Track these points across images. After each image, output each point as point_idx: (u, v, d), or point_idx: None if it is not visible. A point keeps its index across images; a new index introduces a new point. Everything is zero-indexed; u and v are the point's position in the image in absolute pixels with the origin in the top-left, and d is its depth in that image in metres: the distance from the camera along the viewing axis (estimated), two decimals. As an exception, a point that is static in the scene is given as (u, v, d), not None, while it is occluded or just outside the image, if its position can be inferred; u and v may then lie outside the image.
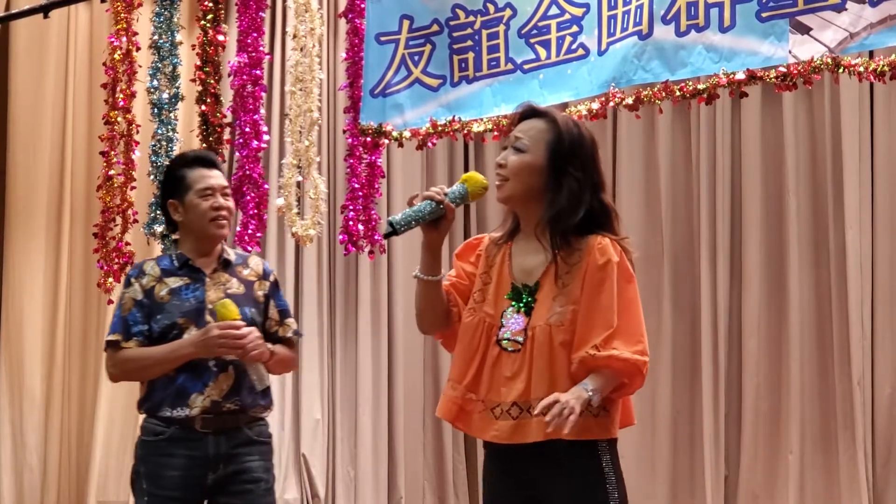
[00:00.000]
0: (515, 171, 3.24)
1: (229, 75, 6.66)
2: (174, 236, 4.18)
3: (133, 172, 6.45)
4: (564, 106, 5.81)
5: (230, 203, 4.11)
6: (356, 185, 6.73)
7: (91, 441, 7.23)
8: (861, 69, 4.95)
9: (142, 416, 4.04)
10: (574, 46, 5.52)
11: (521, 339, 3.20)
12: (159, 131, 6.41)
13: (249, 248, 6.68)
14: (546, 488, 3.17)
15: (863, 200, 7.09)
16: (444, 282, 3.34)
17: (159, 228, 6.33)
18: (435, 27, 5.89)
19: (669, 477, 7.45)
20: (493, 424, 3.19)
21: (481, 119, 5.81)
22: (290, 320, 4.18)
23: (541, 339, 3.16)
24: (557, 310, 3.17)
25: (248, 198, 6.58)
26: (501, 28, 5.71)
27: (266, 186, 6.70)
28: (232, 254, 4.14)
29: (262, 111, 6.69)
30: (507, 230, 3.35)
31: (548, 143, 3.24)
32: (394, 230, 3.21)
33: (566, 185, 3.21)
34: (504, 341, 3.21)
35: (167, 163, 6.32)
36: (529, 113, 3.32)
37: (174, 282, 4.03)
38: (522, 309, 3.23)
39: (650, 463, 7.47)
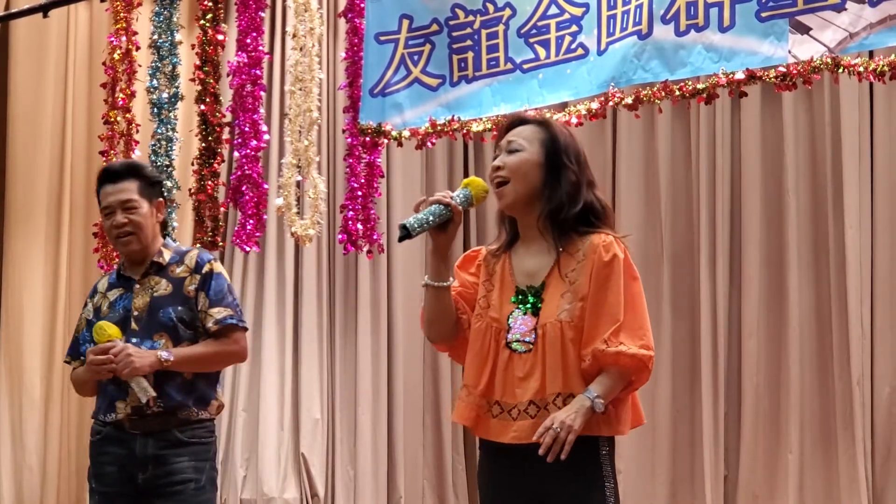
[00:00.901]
0: (514, 169, 3.26)
1: (228, 75, 6.66)
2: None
3: (132, 172, 6.44)
4: (564, 106, 5.81)
5: (134, 216, 4.04)
6: (355, 185, 6.73)
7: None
8: (861, 69, 4.95)
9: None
10: (573, 46, 5.52)
11: (530, 339, 3.22)
12: (159, 131, 6.41)
13: (247, 248, 6.68)
14: (550, 486, 3.18)
15: (862, 200, 7.08)
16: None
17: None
18: (434, 27, 5.89)
19: (669, 477, 7.44)
20: (512, 426, 3.20)
21: (480, 119, 5.81)
22: (217, 310, 4.04)
23: (552, 335, 3.19)
24: (566, 306, 3.20)
25: (248, 197, 6.58)
26: (501, 28, 5.71)
27: (265, 186, 6.70)
28: (167, 254, 4.12)
29: (262, 111, 6.70)
30: (503, 242, 3.38)
31: (542, 141, 3.28)
32: (408, 233, 3.21)
33: (564, 178, 3.25)
34: (514, 343, 3.23)
35: (167, 162, 6.33)
36: (518, 121, 3.37)
37: (113, 294, 4.11)
38: (529, 310, 3.25)
39: (650, 463, 7.47)
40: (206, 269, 4.08)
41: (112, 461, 4.02)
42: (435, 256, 3.30)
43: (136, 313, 4.01)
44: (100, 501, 4.06)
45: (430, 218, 3.22)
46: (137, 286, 4.06)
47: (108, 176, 4.10)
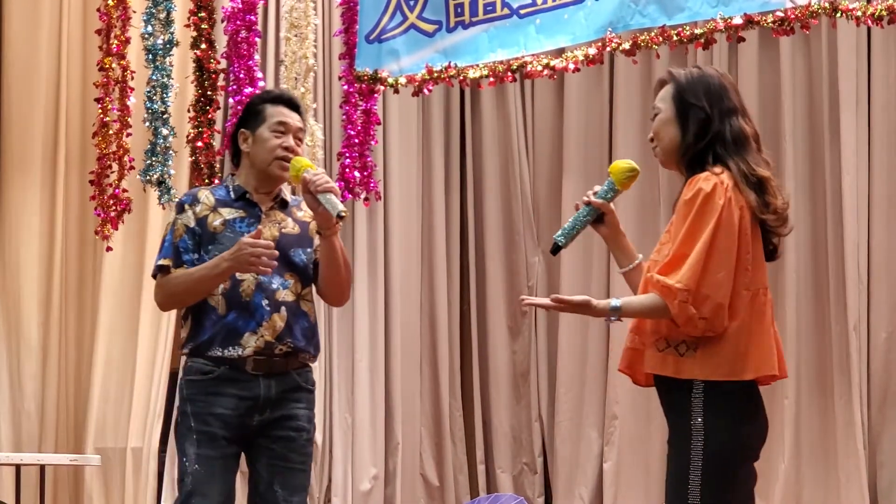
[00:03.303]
0: (655, 133, 3.37)
1: (223, 20, 6.62)
2: (231, 172, 4.10)
3: (128, 119, 6.43)
4: (561, 51, 5.79)
5: (299, 147, 3.97)
6: (352, 133, 6.71)
7: (89, 388, 7.25)
8: (858, 13, 4.94)
9: (184, 358, 3.93)
10: (570, -10, 5.49)
11: None
12: (154, 77, 6.38)
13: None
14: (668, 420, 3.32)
15: (859, 145, 7.07)
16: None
17: (155, 175, 6.32)
18: (430, -29, 5.85)
19: (662, 423, 7.45)
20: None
21: (477, 65, 5.79)
22: None
23: (645, 277, 3.24)
24: (664, 251, 3.24)
25: (244, 145, 6.55)
26: (497, -28, 5.68)
27: (262, 133, 6.67)
28: (288, 196, 4.05)
29: (257, 57, 6.66)
30: None
31: (672, 95, 3.32)
32: (558, 246, 3.43)
33: (692, 117, 3.27)
34: None
35: (162, 109, 6.31)
36: (657, 86, 3.41)
37: (229, 213, 3.91)
38: None
39: (645, 409, 7.48)
40: None
41: (226, 404, 3.81)
42: (610, 247, 3.46)
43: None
44: (198, 441, 3.81)
45: (576, 223, 3.42)
46: (264, 217, 3.92)
47: (289, 102, 4.01)
